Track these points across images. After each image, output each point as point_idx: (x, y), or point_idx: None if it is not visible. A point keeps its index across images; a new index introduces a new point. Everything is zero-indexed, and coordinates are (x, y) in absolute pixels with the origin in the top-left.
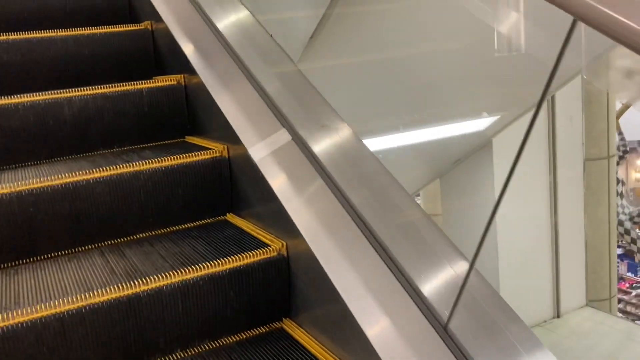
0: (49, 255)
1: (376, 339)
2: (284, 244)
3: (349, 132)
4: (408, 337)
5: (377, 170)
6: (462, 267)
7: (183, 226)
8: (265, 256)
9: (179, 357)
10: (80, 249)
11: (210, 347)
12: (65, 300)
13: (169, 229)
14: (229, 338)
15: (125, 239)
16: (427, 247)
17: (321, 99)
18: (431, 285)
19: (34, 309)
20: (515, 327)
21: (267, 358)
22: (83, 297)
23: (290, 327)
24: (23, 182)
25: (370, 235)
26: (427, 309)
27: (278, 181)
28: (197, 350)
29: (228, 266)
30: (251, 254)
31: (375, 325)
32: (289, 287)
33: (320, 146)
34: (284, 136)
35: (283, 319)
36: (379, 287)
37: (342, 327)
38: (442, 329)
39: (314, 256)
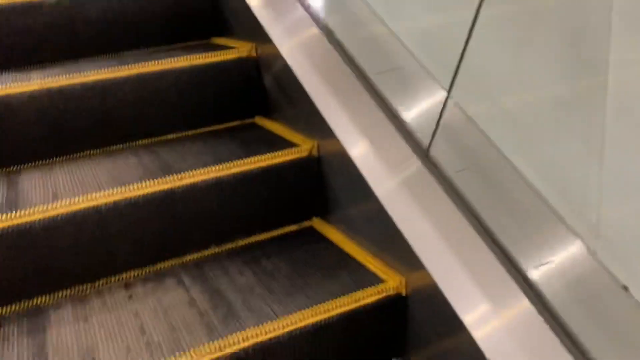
0: (82, 154)
1: (413, 236)
2: (315, 144)
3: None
4: (447, 233)
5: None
6: None
7: (212, 128)
8: (296, 156)
9: (213, 252)
10: (112, 148)
11: (243, 243)
12: (103, 194)
13: (198, 130)
14: (261, 235)
15: (156, 139)
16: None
17: None
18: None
19: (72, 202)
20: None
21: (297, 252)
22: (119, 191)
23: (320, 225)
24: (52, 79)
25: (401, 126)
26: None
27: (311, 80)
28: (230, 246)
29: (260, 165)
30: (282, 153)
31: (412, 223)
32: (319, 187)
33: (358, 44)
34: (316, 33)
35: (313, 217)
36: (418, 185)
37: (375, 224)
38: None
39: (348, 155)
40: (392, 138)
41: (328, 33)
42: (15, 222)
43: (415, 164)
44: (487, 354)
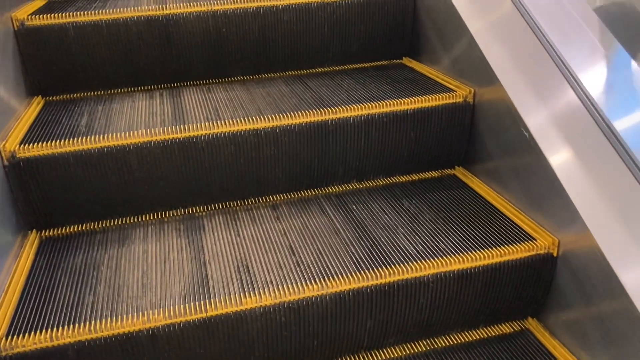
0: (237, 78)
1: (576, 194)
2: (472, 90)
3: None
4: (616, 195)
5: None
6: None
7: (360, 65)
8: (450, 101)
9: (354, 187)
10: (265, 76)
11: (384, 182)
12: (261, 119)
13: (347, 66)
14: (401, 177)
15: (307, 71)
16: None
17: None
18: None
19: (234, 122)
20: None
21: (440, 198)
22: (277, 117)
23: (464, 174)
24: (217, 2)
25: (571, 79)
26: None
27: (475, 20)
28: (371, 184)
29: (412, 106)
30: (436, 97)
31: (576, 180)
32: (470, 135)
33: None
34: None
35: (456, 166)
36: (584, 140)
37: (530, 179)
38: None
39: (511, 104)
40: (563, 91)
41: None
42: (184, 135)
43: (585, 120)
44: None
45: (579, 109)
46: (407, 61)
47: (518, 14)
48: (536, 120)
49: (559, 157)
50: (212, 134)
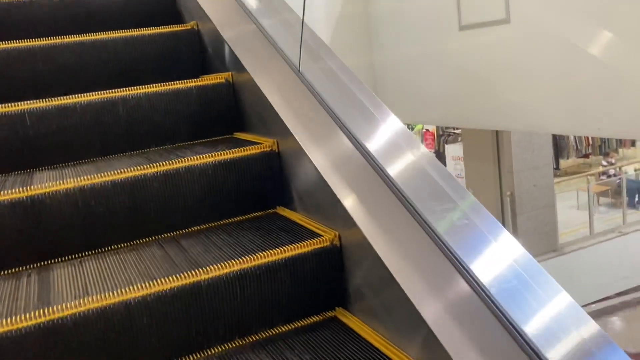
0: (110, 248)
1: (437, 327)
2: (337, 234)
3: (416, 143)
4: (470, 327)
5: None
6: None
7: (235, 219)
8: (319, 246)
9: (237, 344)
10: (139, 242)
11: (267, 334)
12: (131, 289)
13: (222, 222)
14: (285, 326)
15: (181, 232)
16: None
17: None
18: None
19: (102, 297)
20: None
21: (322, 344)
22: (147, 285)
23: (344, 315)
24: (84, 178)
25: (424, 224)
26: (482, 292)
27: (331, 173)
28: (254, 338)
29: (283, 255)
30: (305, 244)
31: (435, 313)
32: (342, 276)
33: (383, 153)
34: (337, 133)
35: (336, 307)
36: (436, 275)
37: (399, 315)
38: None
39: (370, 244)
40: (414, 229)
41: (347, 131)
42: (48, 318)
43: (435, 255)
44: None
45: (428, 243)
46: (281, 210)
47: (369, 167)
48: (392, 257)
49: (419, 294)
50: (78, 312)
